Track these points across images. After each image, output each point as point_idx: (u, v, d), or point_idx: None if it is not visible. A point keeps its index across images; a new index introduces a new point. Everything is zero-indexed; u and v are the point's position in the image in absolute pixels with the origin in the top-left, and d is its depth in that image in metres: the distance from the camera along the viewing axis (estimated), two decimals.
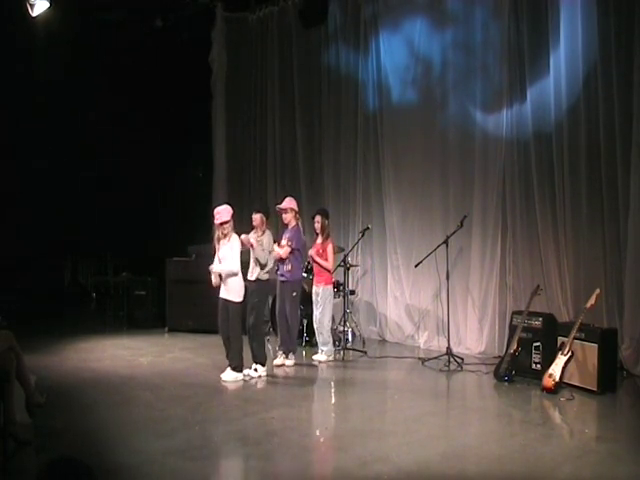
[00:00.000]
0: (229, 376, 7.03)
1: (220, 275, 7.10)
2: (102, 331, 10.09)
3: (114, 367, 7.68)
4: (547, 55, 7.78)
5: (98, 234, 11.90)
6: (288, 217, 7.92)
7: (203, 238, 11.52)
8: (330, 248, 8.22)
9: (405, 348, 9.07)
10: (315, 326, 8.32)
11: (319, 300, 8.22)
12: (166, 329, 10.15)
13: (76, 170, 11.63)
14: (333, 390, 7.23)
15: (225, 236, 7.06)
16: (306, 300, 9.26)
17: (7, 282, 10.54)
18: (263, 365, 7.31)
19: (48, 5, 8.71)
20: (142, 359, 8.19)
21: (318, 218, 8.26)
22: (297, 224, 7.93)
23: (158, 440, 5.18)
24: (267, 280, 7.48)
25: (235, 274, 7.03)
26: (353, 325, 9.27)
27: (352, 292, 9.54)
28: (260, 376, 7.23)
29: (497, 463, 4.78)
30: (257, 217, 7.47)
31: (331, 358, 8.19)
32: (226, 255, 7.04)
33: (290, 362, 7.86)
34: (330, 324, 8.34)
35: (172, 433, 5.35)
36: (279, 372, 7.63)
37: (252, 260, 7.43)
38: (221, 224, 7.02)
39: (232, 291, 7.06)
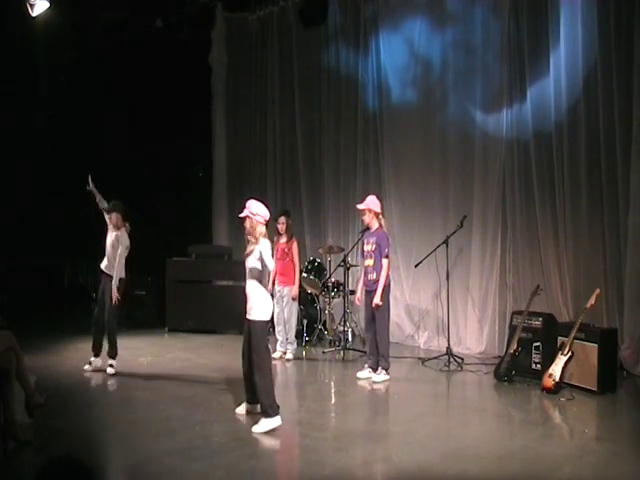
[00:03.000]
0: (262, 427, 5.40)
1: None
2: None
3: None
4: (547, 55, 7.78)
5: (98, 234, 11.89)
6: (367, 219, 7.28)
7: (203, 238, 11.56)
8: (295, 247, 8.21)
9: (405, 348, 9.07)
10: (283, 330, 8.32)
11: (284, 301, 8.24)
12: (166, 329, 10.16)
13: (75, 169, 11.63)
14: (333, 390, 7.22)
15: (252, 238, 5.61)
16: (306, 300, 9.28)
17: (7, 282, 10.54)
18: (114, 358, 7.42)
19: (48, 5, 8.71)
20: (142, 359, 8.19)
21: (283, 219, 8.20)
22: (381, 225, 7.29)
23: (158, 440, 5.18)
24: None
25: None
26: (353, 325, 9.28)
27: (352, 292, 9.53)
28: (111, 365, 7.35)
29: (497, 463, 4.78)
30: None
31: (291, 356, 8.28)
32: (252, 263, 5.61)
33: (379, 378, 7.19)
34: (296, 324, 8.46)
35: (172, 433, 5.35)
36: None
37: (113, 252, 7.56)
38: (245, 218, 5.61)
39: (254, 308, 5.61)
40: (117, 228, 7.62)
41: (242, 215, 5.66)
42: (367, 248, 7.32)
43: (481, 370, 7.59)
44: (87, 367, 7.46)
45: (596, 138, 7.37)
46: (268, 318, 5.63)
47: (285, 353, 8.33)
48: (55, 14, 9.18)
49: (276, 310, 7.99)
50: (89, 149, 11.69)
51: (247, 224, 5.58)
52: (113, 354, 7.39)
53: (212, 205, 12.16)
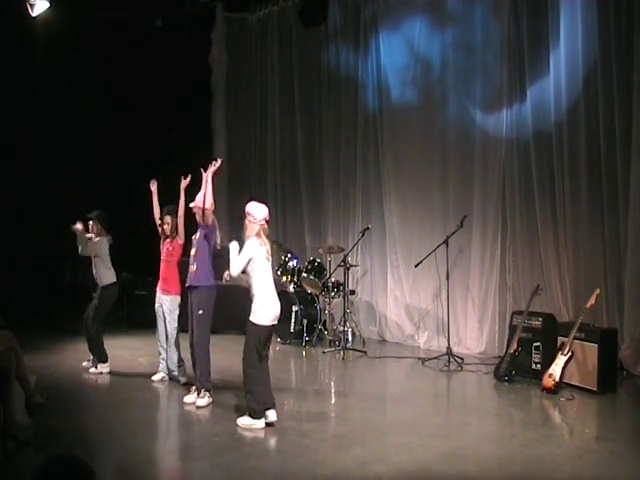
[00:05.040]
0: (244, 421, 5.49)
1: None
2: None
3: (114, 367, 7.66)
4: (547, 55, 7.78)
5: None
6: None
7: None
8: (179, 246, 6.99)
9: (405, 348, 9.07)
10: (164, 346, 6.97)
11: (166, 313, 6.89)
12: None
13: (76, 169, 11.63)
14: (333, 390, 7.22)
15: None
16: (306, 300, 9.28)
17: (7, 282, 10.53)
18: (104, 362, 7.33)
19: (48, 5, 8.71)
20: (142, 359, 8.18)
21: (168, 219, 7.03)
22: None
23: (158, 440, 5.18)
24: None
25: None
26: (353, 325, 9.27)
27: (352, 292, 9.54)
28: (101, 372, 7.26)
29: (497, 463, 4.78)
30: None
31: (184, 379, 6.77)
32: None
33: (202, 402, 6.03)
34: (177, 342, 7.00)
35: (172, 433, 5.35)
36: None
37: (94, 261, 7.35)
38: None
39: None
40: (97, 236, 7.46)
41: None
42: (195, 237, 6.42)
43: (481, 370, 7.58)
44: (85, 364, 7.48)
45: (596, 138, 7.37)
46: (265, 323, 5.45)
47: (169, 376, 7.02)
48: (55, 14, 9.16)
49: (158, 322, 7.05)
50: (89, 149, 11.69)
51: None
52: (103, 359, 7.36)
53: None
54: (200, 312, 6.14)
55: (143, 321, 10.58)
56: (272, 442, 5.18)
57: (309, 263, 9.34)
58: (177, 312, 6.96)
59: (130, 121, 11.59)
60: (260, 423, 5.42)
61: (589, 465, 4.80)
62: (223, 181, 12.16)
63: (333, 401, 6.80)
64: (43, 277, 11.66)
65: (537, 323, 7.08)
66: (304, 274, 9.21)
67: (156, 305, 7.05)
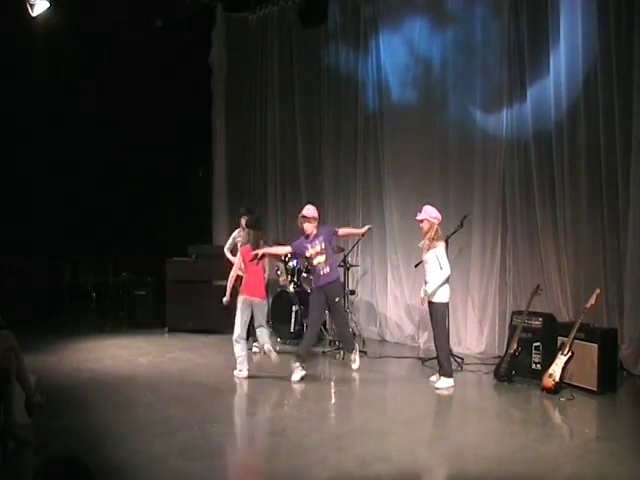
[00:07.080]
0: (442, 384, 6.93)
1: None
2: (102, 331, 10.10)
3: (114, 367, 7.68)
4: (547, 55, 7.78)
5: (98, 234, 11.92)
6: (311, 226, 7.33)
7: (203, 238, 11.56)
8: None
9: (405, 348, 9.07)
10: (266, 347, 7.39)
11: (257, 307, 7.36)
12: (166, 329, 10.14)
13: (76, 170, 11.64)
14: (333, 390, 7.22)
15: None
16: (306, 300, 9.27)
17: (7, 282, 10.54)
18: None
19: (48, 5, 8.71)
20: (142, 359, 8.19)
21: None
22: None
23: (158, 440, 5.18)
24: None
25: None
26: (353, 325, 9.26)
27: (352, 292, 9.54)
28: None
29: (497, 463, 4.78)
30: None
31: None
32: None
33: (296, 376, 7.13)
34: None
35: (172, 433, 5.35)
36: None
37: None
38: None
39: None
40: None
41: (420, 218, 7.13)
42: (316, 249, 7.30)
43: (481, 370, 7.59)
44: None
45: (596, 138, 7.37)
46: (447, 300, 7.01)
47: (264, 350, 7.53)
48: (55, 14, 9.17)
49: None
50: (88, 149, 11.71)
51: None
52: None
53: (212, 205, 12.17)
54: (337, 300, 7.44)
55: (143, 321, 10.64)
56: (272, 442, 5.18)
57: (309, 263, 9.33)
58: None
59: (130, 121, 11.60)
60: (452, 381, 6.91)
61: (589, 465, 4.80)
62: (223, 181, 12.19)
63: (333, 401, 6.80)
64: (43, 277, 11.67)
65: (537, 323, 7.08)
66: (304, 274, 9.20)
67: (242, 307, 7.25)
